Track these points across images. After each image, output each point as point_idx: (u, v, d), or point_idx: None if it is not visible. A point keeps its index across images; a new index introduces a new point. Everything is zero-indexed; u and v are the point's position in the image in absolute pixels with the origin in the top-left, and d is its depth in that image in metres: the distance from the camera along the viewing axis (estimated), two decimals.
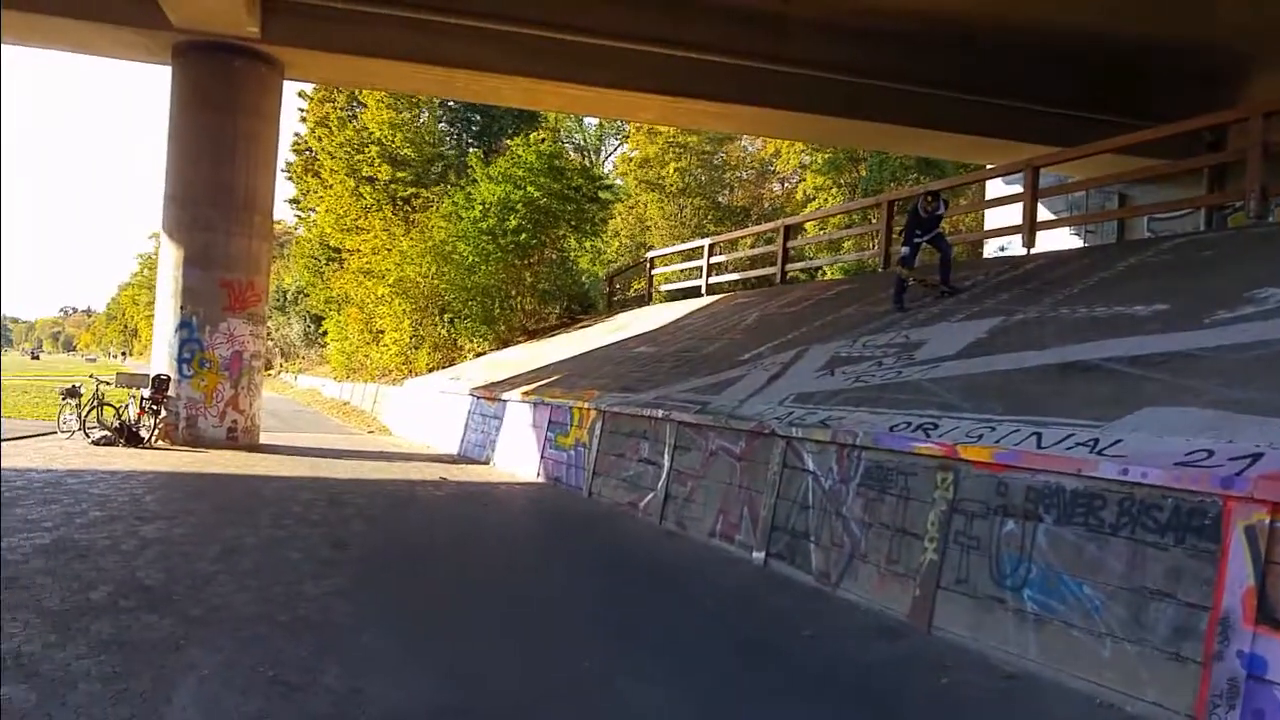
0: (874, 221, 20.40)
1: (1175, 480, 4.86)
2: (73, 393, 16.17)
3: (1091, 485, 5.33)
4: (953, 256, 11.90)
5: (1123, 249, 11.76)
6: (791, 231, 19.15)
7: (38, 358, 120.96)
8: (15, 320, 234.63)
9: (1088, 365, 7.34)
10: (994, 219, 20.04)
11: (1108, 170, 14.58)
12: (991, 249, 20.52)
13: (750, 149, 37.67)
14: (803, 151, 31.68)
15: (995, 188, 20.64)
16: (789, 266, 18.43)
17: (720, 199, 36.74)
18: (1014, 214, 14.51)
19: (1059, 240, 16.69)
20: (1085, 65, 16.86)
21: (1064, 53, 16.60)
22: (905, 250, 11.78)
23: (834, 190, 29.98)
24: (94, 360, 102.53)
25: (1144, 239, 13.12)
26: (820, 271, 26.49)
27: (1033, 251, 12.50)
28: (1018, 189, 14.86)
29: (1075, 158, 13.40)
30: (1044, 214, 13.48)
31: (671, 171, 34.02)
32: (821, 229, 25.56)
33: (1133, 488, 5.08)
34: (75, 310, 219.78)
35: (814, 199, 30.58)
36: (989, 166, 19.08)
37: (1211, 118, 11.87)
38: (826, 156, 29.75)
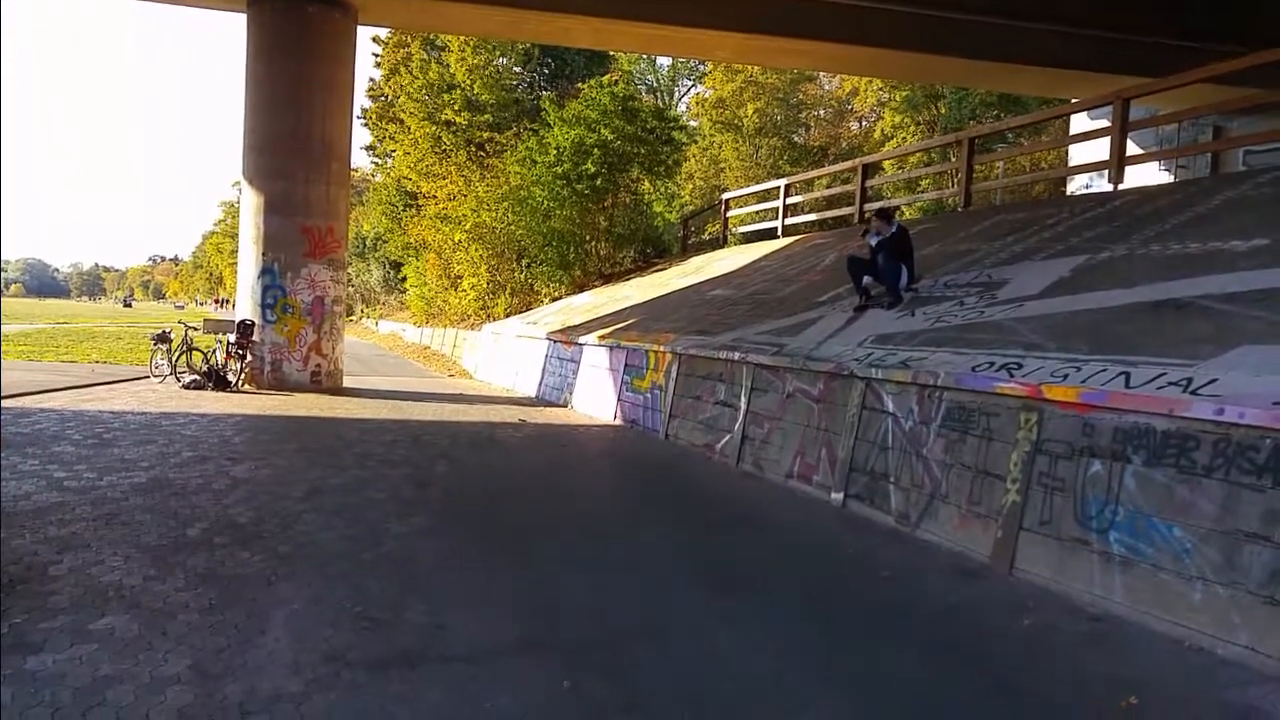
0: (953, 159, 19.85)
1: (1275, 420, 4.68)
2: (163, 338, 16.72)
3: (1184, 426, 5.17)
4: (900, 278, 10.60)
5: (1217, 183, 11.21)
6: (869, 170, 18.69)
7: (130, 305, 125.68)
8: (109, 269, 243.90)
9: (1180, 303, 7.07)
10: (1078, 155, 19.35)
11: (1202, 100, 13.89)
12: (1075, 186, 19.86)
13: (827, 87, 36.75)
14: (881, 89, 30.87)
15: (1079, 122, 19.85)
16: (867, 206, 18.02)
17: (796, 139, 36.03)
18: (1099, 149, 13.94)
19: (1147, 176, 16.03)
20: None
21: None
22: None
23: (913, 128, 29.20)
24: (182, 307, 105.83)
25: (1239, 172, 12.49)
26: (899, 211, 25.94)
27: (1120, 188, 12.03)
28: (1103, 123, 14.27)
29: (1168, 88, 12.69)
30: (1131, 149, 12.84)
31: (750, 111, 33.37)
32: (900, 168, 24.95)
33: (1229, 428, 4.92)
34: (163, 259, 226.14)
35: (892, 137, 29.83)
36: (1073, 101, 18.33)
37: None
38: (905, 94, 28.94)
